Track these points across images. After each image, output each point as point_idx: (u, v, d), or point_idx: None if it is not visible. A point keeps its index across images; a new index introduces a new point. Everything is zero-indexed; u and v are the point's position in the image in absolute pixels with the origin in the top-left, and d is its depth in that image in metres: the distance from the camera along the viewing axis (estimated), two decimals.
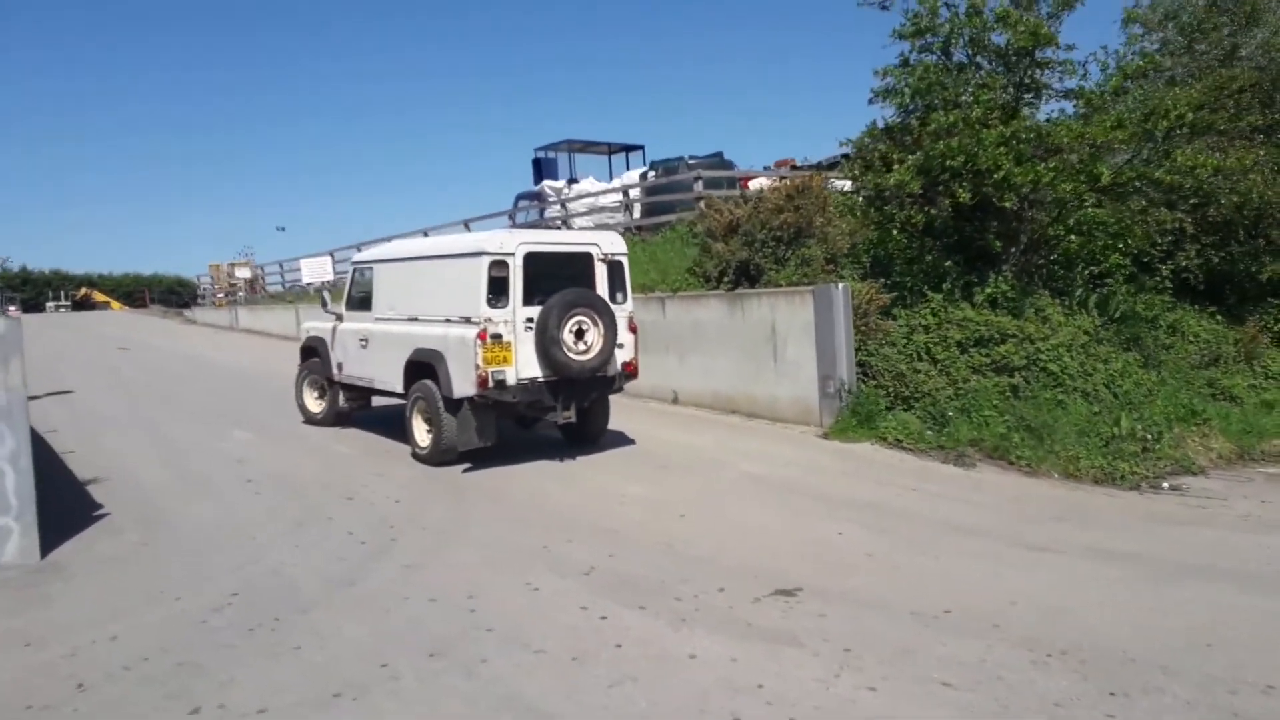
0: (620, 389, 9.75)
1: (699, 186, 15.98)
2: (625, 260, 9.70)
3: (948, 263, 12.55)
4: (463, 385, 8.77)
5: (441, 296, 9.22)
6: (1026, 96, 12.53)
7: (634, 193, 18.53)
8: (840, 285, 10.83)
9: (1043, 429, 10.44)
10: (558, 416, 9.17)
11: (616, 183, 20.45)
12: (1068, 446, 10.14)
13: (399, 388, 9.73)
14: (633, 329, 9.68)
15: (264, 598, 5.91)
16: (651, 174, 18.58)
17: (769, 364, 11.55)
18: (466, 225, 22.92)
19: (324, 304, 11.52)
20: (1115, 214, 13.42)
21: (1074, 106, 12.74)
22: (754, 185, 18.42)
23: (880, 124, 13.65)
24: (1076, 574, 6.30)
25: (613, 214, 19.10)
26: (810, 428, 10.94)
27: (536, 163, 23.61)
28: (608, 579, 6.19)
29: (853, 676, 4.70)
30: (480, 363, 8.57)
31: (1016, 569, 6.41)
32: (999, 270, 12.66)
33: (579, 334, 8.97)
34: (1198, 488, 9.63)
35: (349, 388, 11.10)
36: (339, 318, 11.09)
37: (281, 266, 34.65)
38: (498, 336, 8.65)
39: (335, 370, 11.12)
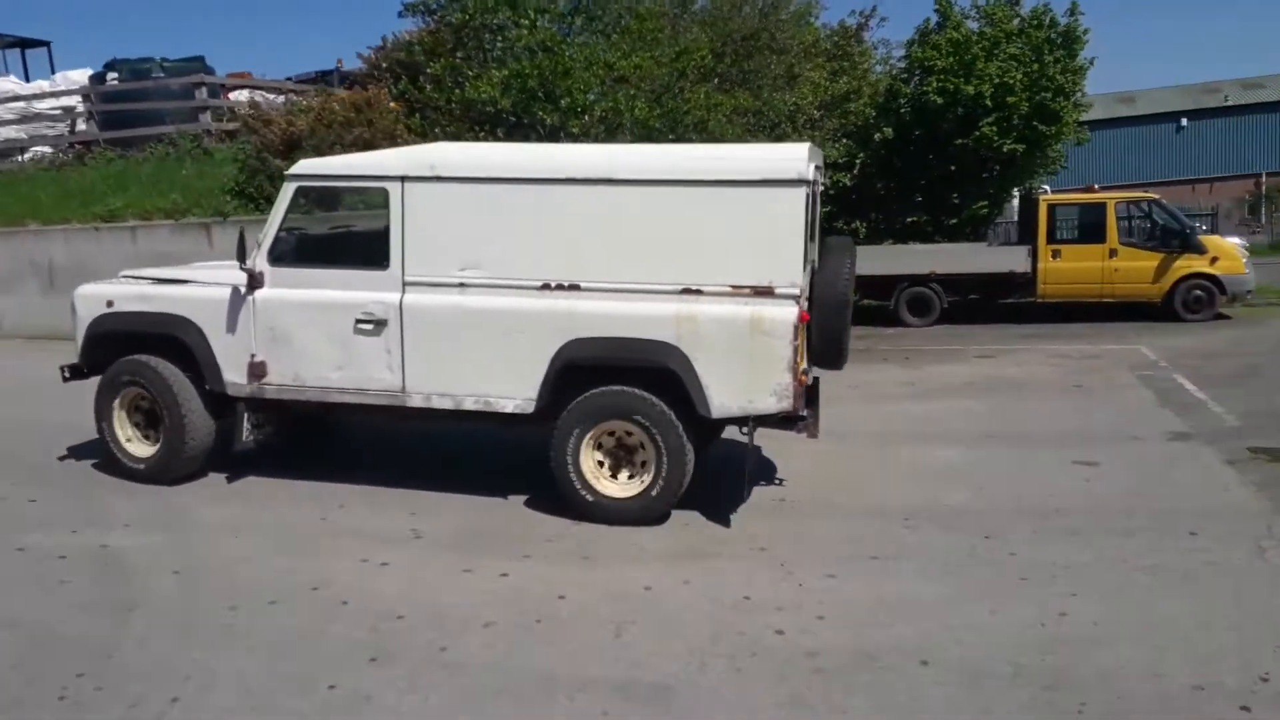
0: None
1: (203, 94, 13.67)
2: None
3: None
4: (740, 396, 5.36)
5: (670, 250, 5.48)
6: (578, 23, 13.13)
7: (86, 100, 15.04)
8: None
9: None
10: (811, 429, 5.69)
11: (45, 84, 16.30)
12: None
13: (513, 404, 5.67)
14: None
15: (60, 663, 3.99)
16: (113, 76, 15.25)
17: None
18: None
19: (240, 251, 5.94)
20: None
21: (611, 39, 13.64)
22: (234, 97, 16.41)
23: (403, 35, 13.23)
24: (835, 454, 7.05)
25: (52, 123, 15.36)
26: None
27: None
28: (444, 537, 5.44)
29: (815, 577, 4.90)
30: (801, 360, 5.33)
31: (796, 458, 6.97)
32: None
33: None
34: None
35: (274, 406, 6.24)
36: (252, 278, 6.01)
37: None
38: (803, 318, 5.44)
39: (247, 376, 6.03)
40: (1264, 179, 35.10)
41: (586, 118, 12.35)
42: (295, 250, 6.26)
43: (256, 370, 6.00)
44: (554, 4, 12.64)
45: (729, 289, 5.37)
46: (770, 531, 5.49)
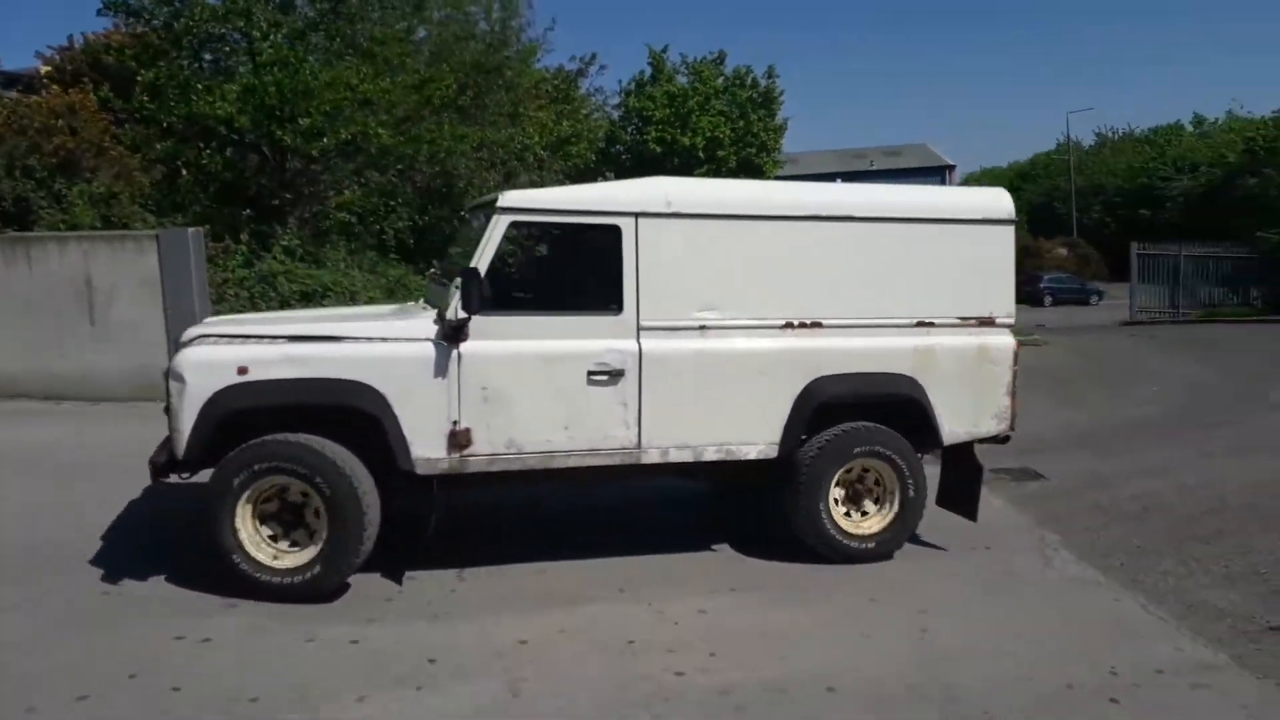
0: None
1: None
2: None
3: (246, 211, 11.70)
4: (966, 421, 5.74)
5: (905, 285, 5.59)
6: (314, 40, 12.36)
7: None
8: (193, 230, 9.31)
9: None
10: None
11: None
12: None
13: (755, 451, 5.38)
14: None
15: None
16: None
17: (82, 329, 9.19)
18: None
19: (472, 297, 4.72)
20: (337, 177, 14.16)
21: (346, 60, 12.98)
22: None
23: (99, 35, 11.87)
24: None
25: None
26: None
27: None
28: (265, 604, 4.76)
29: (687, 614, 4.85)
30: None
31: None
32: (285, 223, 12.32)
33: None
34: None
35: (465, 481, 5.13)
36: (453, 329, 4.87)
37: None
38: None
39: (446, 447, 4.92)
40: None
41: (326, 140, 11.65)
42: (502, 294, 5.33)
43: (459, 439, 4.95)
44: (288, 18, 11.78)
45: (957, 320, 5.67)
46: (622, 571, 5.37)
